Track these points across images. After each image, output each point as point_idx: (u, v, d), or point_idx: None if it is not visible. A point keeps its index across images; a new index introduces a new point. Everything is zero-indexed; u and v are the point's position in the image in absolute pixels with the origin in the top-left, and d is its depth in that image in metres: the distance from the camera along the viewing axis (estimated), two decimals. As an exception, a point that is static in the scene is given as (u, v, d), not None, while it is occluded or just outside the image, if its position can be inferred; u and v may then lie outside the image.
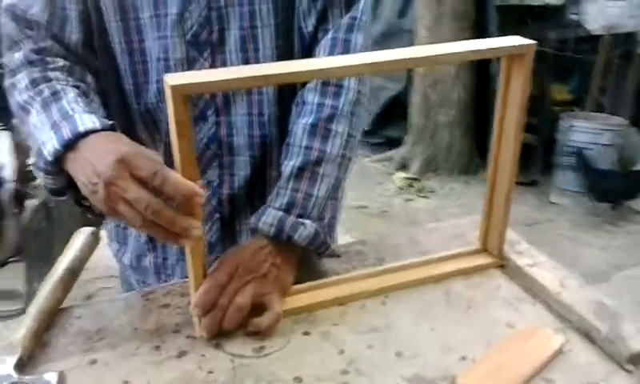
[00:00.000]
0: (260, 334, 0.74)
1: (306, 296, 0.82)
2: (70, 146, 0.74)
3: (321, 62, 0.71)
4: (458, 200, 3.76)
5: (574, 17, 4.24)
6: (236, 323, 0.74)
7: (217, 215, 0.94)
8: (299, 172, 0.81)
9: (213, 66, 0.86)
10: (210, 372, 0.69)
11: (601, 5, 4.06)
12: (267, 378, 0.69)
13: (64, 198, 0.83)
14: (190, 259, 0.72)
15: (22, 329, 0.74)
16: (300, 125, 0.84)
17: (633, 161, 3.81)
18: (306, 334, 0.76)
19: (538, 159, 4.09)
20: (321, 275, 0.87)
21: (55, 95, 0.81)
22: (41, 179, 0.81)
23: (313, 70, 0.68)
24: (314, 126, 0.83)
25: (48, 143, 0.75)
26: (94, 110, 0.81)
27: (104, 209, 0.69)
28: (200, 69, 0.86)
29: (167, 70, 0.85)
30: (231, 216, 0.96)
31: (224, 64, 0.86)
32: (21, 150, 2.18)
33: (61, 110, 0.78)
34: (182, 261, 0.96)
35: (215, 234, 0.95)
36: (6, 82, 0.86)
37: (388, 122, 4.85)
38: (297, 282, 0.84)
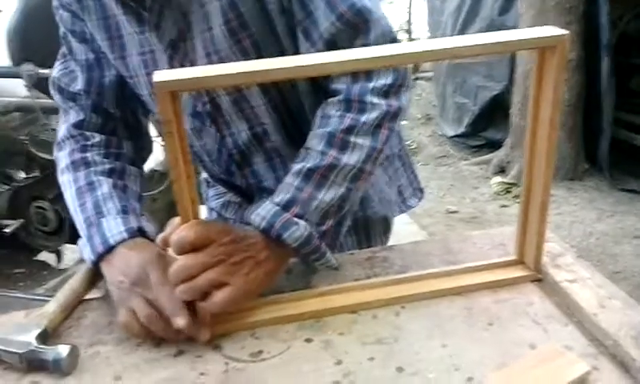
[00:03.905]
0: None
1: (316, 301, 0.79)
2: (102, 256, 0.81)
3: (322, 56, 0.67)
4: (558, 208, 3.51)
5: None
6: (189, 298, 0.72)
7: None
8: (309, 172, 0.78)
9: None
10: (202, 374, 0.69)
11: None
12: (256, 384, 0.67)
13: None
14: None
15: (53, 302, 0.79)
16: (318, 133, 0.81)
17: None
18: (308, 341, 0.73)
19: (655, 165, 3.75)
20: (337, 280, 0.84)
21: (91, 188, 0.89)
22: None
23: (312, 65, 0.65)
24: (332, 135, 0.79)
25: (85, 249, 0.83)
26: (125, 201, 0.88)
27: (120, 301, 0.76)
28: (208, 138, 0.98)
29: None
30: None
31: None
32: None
33: (95, 206, 0.86)
34: None
35: None
36: (54, 153, 0.98)
37: (489, 124, 4.65)
38: (306, 286, 0.82)
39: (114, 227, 0.81)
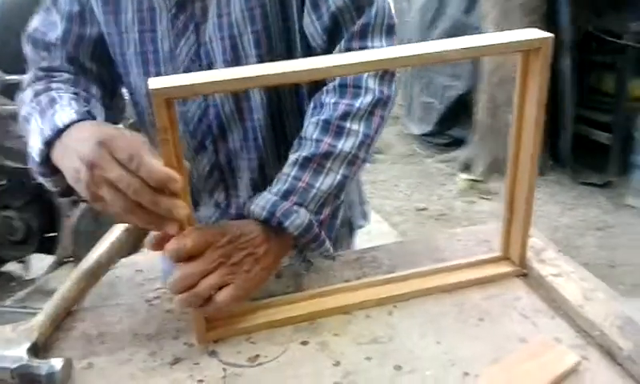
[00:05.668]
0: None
1: (309, 303, 0.80)
2: (51, 142, 0.75)
3: (310, 61, 0.68)
4: (524, 202, 3.59)
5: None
6: (191, 306, 0.71)
7: None
8: (305, 161, 0.79)
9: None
10: (200, 381, 0.69)
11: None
12: (255, 389, 0.67)
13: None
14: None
15: (41, 314, 0.77)
16: (313, 121, 0.82)
17: None
18: (304, 343, 0.74)
19: (614, 159, 3.86)
20: (328, 282, 0.85)
21: (52, 101, 0.82)
22: (45, 183, 0.83)
23: (298, 71, 0.66)
24: (327, 122, 0.81)
25: (35, 146, 0.77)
26: (81, 106, 0.82)
27: (88, 195, 0.69)
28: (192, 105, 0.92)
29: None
30: None
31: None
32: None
33: (54, 114, 0.79)
34: None
35: None
36: (17, 99, 0.92)
37: (454, 122, 4.73)
38: (297, 289, 0.83)
39: (65, 114, 0.76)
